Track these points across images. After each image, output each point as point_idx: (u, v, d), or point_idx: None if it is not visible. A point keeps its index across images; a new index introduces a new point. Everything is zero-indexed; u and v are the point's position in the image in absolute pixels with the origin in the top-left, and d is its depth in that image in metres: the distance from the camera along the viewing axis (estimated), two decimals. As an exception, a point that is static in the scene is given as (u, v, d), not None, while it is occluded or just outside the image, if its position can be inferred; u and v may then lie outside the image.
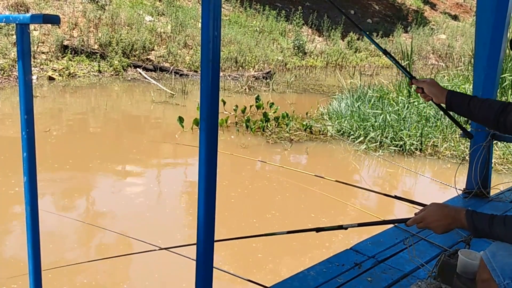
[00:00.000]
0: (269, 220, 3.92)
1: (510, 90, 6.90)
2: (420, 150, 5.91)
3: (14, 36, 8.97)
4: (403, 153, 5.83)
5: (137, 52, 10.98)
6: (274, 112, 7.24)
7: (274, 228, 3.65)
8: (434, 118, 6.55)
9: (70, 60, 9.98)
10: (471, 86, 6.52)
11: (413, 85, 1.96)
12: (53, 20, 1.00)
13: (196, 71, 11.05)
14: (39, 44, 9.92)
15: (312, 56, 14.98)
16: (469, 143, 3.14)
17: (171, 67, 10.94)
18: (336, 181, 2.90)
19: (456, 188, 2.98)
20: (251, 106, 7.43)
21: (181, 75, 10.75)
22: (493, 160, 4.20)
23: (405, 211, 3.79)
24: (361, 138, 6.19)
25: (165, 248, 2.40)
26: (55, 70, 9.56)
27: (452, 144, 6.01)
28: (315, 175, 3.08)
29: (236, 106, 7.30)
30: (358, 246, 2.29)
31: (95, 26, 11.00)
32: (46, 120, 6.62)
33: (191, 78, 10.72)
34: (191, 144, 5.68)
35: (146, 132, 6.78)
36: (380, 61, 16.07)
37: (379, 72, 13.96)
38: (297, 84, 11.34)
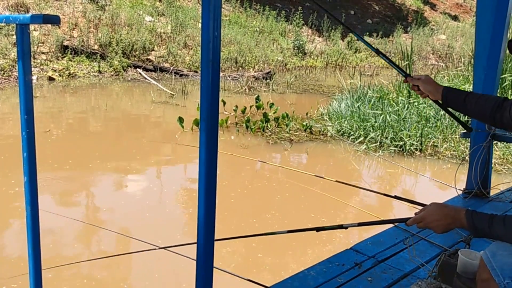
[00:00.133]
0: (269, 220, 3.92)
1: (510, 90, 6.90)
2: (420, 150, 5.91)
3: (14, 37, 8.98)
4: (403, 153, 5.83)
5: (137, 53, 10.98)
6: (274, 113, 7.24)
7: (274, 228, 3.65)
8: (434, 118, 6.55)
9: (70, 60, 9.98)
10: (471, 87, 6.52)
11: (409, 83, 1.96)
12: (53, 20, 1.01)
13: (196, 72, 11.06)
14: (39, 44, 9.92)
15: (312, 57, 14.99)
16: (469, 143, 3.14)
17: (171, 68, 10.95)
18: (336, 181, 2.90)
19: (456, 188, 2.98)
20: (251, 107, 7.43)
21: (181, 75, 10.75)
22: (493, 160, 4.20)
23: (405, 211, 3.79)
24: (361, 139, 6.19)
25: (164, 247, 2.40)
26: (55, 71, 9.57)
27: (452, 144, 6.01)
28: (315, 175, 3.08)
29: (236, 106, 7.30)
30: (358, 246, 2.29)
31: (95, 26, 11.00)
32: (46, 120, 6.62)
33: (191, 78, 10.72)
34: (191, 144, 5.68)
35: (146, 132, 6.78)
36: (380, 61, 16.06)
37: (379, 73, 13.96)
38: (297, 84, 11.34)
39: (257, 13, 15.12)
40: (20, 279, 2.80)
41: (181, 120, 6.26)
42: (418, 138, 6.00)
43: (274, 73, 11.75)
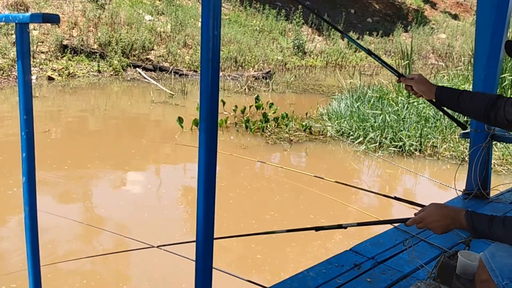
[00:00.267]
0: (268, 221, 3.92)
1: (510, 89, 6.90)
2: (420, 150, 5.91)
3: (14, 36, 8.96)
4: (402, 153, 5.83)
5: (136, 52, 10.97)
6: (273, 113, 7.23)
7: (273, 229, 3.64)
8: (434, 118, 6.54)
9: (70, 60, 9.97)
10: (471, 86, 6.51)
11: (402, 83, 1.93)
12: (53, 19, 1.00)
13: (196, 71, 11.05)
14: (39, 43, 9.91)
15: (312, 56, 14.98)
16: (468, 144, 3.13)
17: (171, 67, 10.94)
18: (336, 181, 2.89)
19: (456, 189, 2.97)
20: (250, 107, 7.42)
21: (180, 75, 10.74)
22: (492, 161, 4.20)
23: (405, 212, 3.77)
24: (361, 139, 6.18)
25: (162, 245, 2.40)
26: (54, 70, 9.56)
27: (452, 145, 6.01)
28: (314, 176, 3.08)
29: (236, 106, 7.29)
30: (357, 247, 2.29)
31: (95, 25, 10.99)
32: (45, 120, 6.62)
33: (191, 78, 10.71)
34: (190, 144, 5.67)
35: (146, 132, 6.78)
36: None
37: (379, 72, 13.96)
38: (297, 84, 11.34)
39: (257, 12, 15.11)
40: (19, 279, 2.80)
41: (180, 120, 6.25)
42: (417, 139, 6.00)
43: (274, 73, 11.74)
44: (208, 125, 0.96)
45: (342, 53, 15.58)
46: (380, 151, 5.87)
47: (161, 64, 11.04)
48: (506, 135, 2.97)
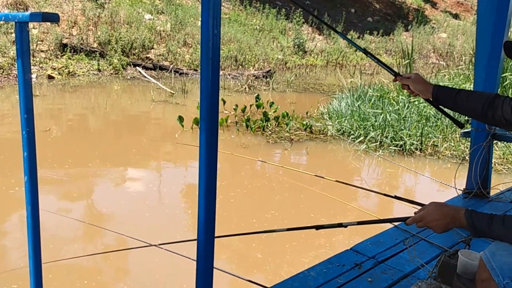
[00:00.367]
0: (268, 220, 3.92)
1: (510, 89, 6.89)
2: (420, 150, 5.90)
3: (13, 35, 8.95)
4: (403, 153, 5.83)
5: (136, 51, 10.97)
6: (274, 112, 7.23)
7: (273, 228, 3.64)
8: (434, 117, 6.54)
9: (70, 58, 9.97)
10: (472, 85, 6.52)
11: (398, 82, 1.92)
12: (52, 18, 1.00)
13: (196, 70, 11.04)
14: (38, 42, 9.91)
15: (312, 55, 14.97)
16: (469, 143, 3.13)
17: (171, 66, 10.93)
18: (336, 181, 2.90)
19: (456, 188, 2.97)
20: (251, 106, 7.42)
21: (180, 73, 10.74)
22: (493, 160, 4.20)
23: (405, 211, 3.77)
24: (361, 138, 6.18)
25: (161, 244, 2.40)
26: (54, 69, 9.56)
27: (452, 144, 6.01)
28: (315, 175, 3.08)
29: (236, 105, 7.29)
30: (358, 246, 2.28)
31: (94, 24, 10.98)
32: (46, 119, 6.62)
33: (191, 77, 10.71)
34: (191, 143, 5.67)
35: (146, 131, 6.77)
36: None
37: (380, 71, 13.93)
38: (297, 83, 11.33)
39: (257, 11, 15.10)
40: (20, 279, 2.80)
41: (181, 119, 6.25)
42: (418, 138, 6.00)
43: (274, 72, 11.74)
44: (209, 124, 0.96)
45: (342, 52, 15.57)
46: (380, 150, 5.87)
47: (161, 63, 11.03)
48: (507, 134, 2.97)
